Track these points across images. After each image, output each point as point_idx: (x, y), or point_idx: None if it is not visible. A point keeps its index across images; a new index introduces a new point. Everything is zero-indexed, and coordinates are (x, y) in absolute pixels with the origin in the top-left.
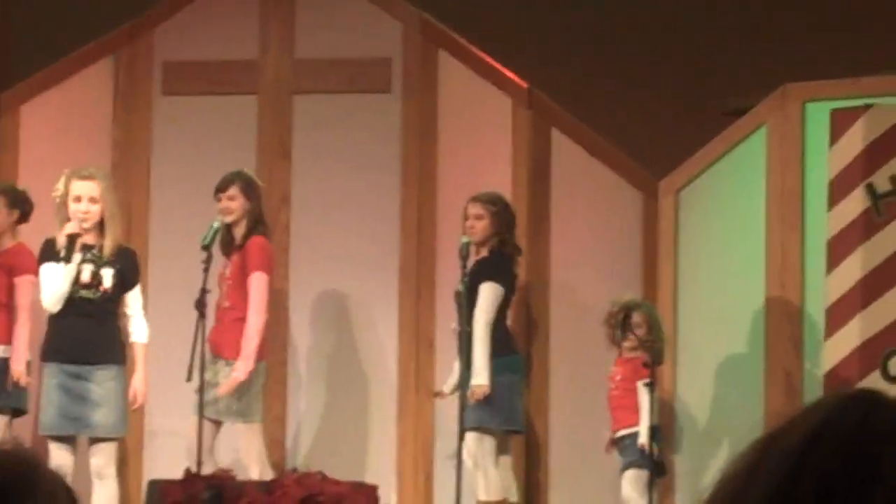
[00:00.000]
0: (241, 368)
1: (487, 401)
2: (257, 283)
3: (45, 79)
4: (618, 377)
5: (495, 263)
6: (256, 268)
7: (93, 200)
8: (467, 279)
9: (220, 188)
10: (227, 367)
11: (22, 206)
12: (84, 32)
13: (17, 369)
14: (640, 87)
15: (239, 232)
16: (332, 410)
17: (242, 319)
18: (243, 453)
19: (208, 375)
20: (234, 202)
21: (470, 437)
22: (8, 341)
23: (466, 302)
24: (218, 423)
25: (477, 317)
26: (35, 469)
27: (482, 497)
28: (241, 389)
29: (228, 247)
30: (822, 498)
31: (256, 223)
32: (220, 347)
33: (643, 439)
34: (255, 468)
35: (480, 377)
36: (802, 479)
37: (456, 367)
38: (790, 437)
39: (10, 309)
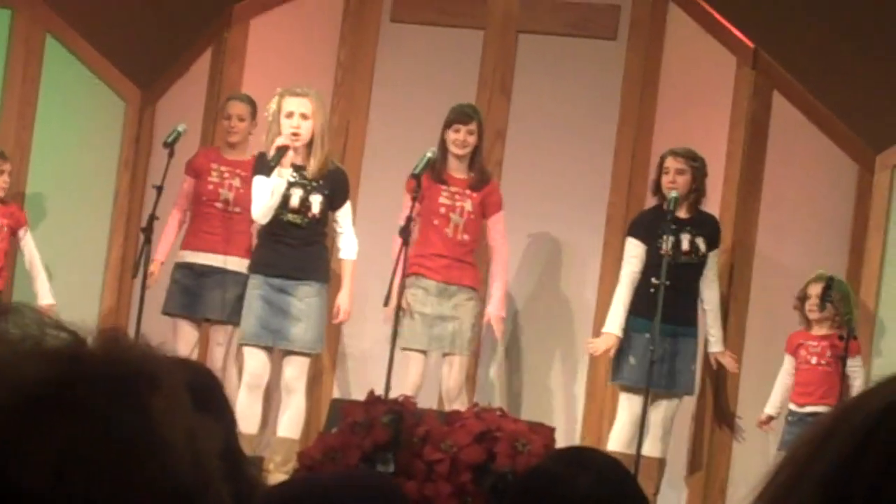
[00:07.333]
0: (499, 308)
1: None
2: (504, 225)
3: None
4: (827, 352)
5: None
6: (501, 208)
7: (304, 117)
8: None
9: (462, 120)
10: (465, 296)
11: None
12: None
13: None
14: (871, 56)
15: (464, 165)
16: (529, 354)
17: (474, 252)
18: (454, 383)
19: (437, 308)
20: (472, 137)
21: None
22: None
23: (675, 254)
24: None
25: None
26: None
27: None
28: (474, 324)
29: (440, 176)
30: (886, 475)
31: (481, 162)
32: (460, 277)
33: None
34: (458, 399)
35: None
36: (867, 454)
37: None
38: (859, 412)
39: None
